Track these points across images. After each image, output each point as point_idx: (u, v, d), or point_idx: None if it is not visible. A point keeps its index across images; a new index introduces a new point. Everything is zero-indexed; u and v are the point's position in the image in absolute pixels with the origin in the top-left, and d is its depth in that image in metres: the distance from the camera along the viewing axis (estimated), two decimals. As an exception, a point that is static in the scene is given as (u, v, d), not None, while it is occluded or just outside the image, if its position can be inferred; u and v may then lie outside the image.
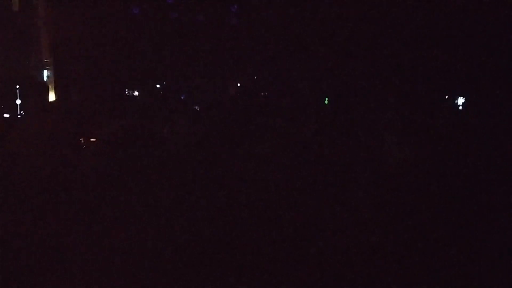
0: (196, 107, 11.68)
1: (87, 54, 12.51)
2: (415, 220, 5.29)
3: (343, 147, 8.08)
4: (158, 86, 14.71)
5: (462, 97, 9.82)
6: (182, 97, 14.25)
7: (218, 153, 7.68)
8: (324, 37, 12.10)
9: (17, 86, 9.42)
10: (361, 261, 4.37)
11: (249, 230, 4.95)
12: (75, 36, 12.71)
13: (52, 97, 12.00)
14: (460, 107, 9.84)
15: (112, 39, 13.03)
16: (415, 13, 9.42)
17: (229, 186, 6.37)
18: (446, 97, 9.91)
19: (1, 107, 9.22)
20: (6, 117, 8.89)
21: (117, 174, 5.74)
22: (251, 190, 6.40)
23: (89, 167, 5.83)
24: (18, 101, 9.40)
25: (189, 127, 8.88)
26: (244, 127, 8.95)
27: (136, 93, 13.96)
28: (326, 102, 13.42)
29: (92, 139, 6.51)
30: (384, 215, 5.38)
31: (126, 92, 13.64)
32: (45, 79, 12.99)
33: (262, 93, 14.15)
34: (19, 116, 8.92)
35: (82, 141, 6.26)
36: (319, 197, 6.15)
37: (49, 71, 13.11)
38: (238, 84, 15.25)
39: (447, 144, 7.54)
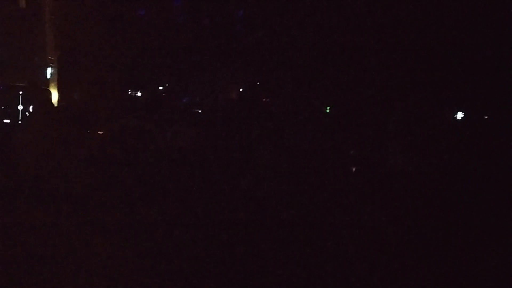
0: (198, 110, 11.69)
1: (91, 53, 12.56)
2: (416, 226, 5.36)
3: (346, 155, 8.13)
4: (160, 88, 14.75)
5: (461, 112, 10.00)
6: (184, 100, 14.28)
7: (218, 157, 7.70)
8: (328, 45, 12.16)
9: (20, 92, 9.43)
10: (362, 264, 4.41)
11: (247, 232, 4.97)
12: (80, 35, 12.75)
13: (54, 95, 12.00)
14: (459, 120, 10.01)
15: (117, 38, 13.08)
16: (421, 25, 9.53)
17: (229, 189, 6.40)
18: (447, 110, 10.07)
19: (2, 112, 9.22)
20: (6, 123, 8.91)
21: (118, 175, 5.77)
22: (251, 194, 6.43)
23: (90, 168, 5.86)
24: (20, 107, 9.39)
25: (191, 129, 8.91)
26: (245, 132, 8.98)
27: (139, 94, 14.01)
28: (328, 110, 13.45)
29: (99, 132, 6.58)
30: (386, 222, 5.43)
31: (129, 92, 13.68)
32: (48, 76, 13.01)
33: (264, 99, 14.16)
34: (19, 122, 8.91)
35: (87, 135, 6.31)
36: (321, 204, 6.19)
37: (52, 69, 13.13)
38: (241, 89, 15.29)
39: (449, 154, 7.63)
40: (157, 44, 13.79)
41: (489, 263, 4.45)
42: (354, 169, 8.15)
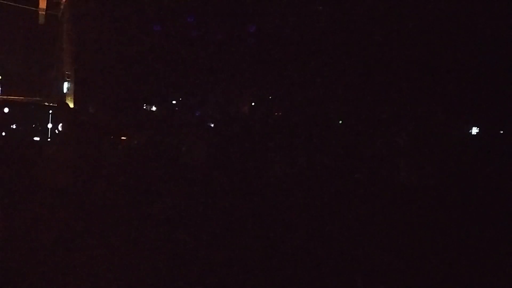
0: (211, 124, 11.84)
1: (107, 69, 12.81)
2: (426, 238, 5.39)
3: (358, 169, 8.18)
4: (174, 102, 14.94)
5: (476, 127, 9.99)
6: (197, 114, 14.45)
7: (232, 169, 7.80)
8: (340, 60, 12.24)
9: (50, 111, 9.78)
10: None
11: (259, 240, 5.05)
12: (96, 51, 13.04)
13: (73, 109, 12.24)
14: (474, 135, 9.99)
15: (133, 54, 13.33)
16: (435, 38, 9.59)
17: (242, 199, 6.50)
18: (461, 125, 10.07)
19: (33, 131, 9.52)
20: (36, 140, 9.19)
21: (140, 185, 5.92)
22: (264, 204, 6.51)
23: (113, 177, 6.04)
24: (50, 125, 9.69)
25: (204, 143, 9.05)
26: (258, 145, 9.07)
27: (154, 108, 14.21)
28: (340, 122, 13.49)
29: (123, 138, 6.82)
30: (396, 233, 5.47)
31: (144, 107, 13.89)
32: (65, 90, 13.29)
33: (276, 113, 14.29)
34: (49, 140, 9.20)
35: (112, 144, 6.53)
36: (332, 215, 6.25)
37: (69, 84, 13.40)
38: (253, 103, 15.43)
39: (460, 169, 7.63)
40: (171, 59, 14.01)
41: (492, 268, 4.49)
42: (357, 175, 8.21)
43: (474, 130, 9.90)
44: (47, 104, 10.94)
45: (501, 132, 9.67)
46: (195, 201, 6.08)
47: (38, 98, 11.91)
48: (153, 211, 5.59)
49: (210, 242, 4.88)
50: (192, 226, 5.33)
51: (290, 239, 5.22)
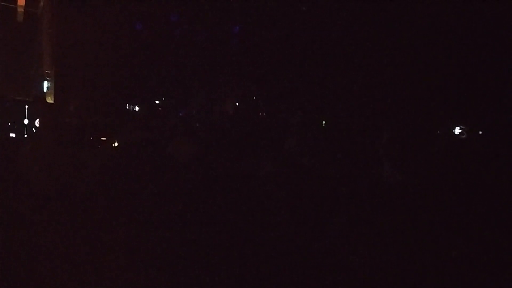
0: (197, 124, 11.77)
1: (88, 67, 12.60)
2: (410, 240, 5.41)
3: (342, 170, 8.20)
4: (157, 102, 14.83)
5: (458, 127, 10.17)
6: (180, 114, 14.34)
7: (218, 170, 7.73)
8: (324, 61, 12.33)
9: (26, 107, 9.51)
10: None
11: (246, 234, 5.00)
12: (77, 49, 12.80)
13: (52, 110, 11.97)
14: (457, 135, 10.17)
15: (114, 53, 13.15)
16: (416, 39, 9.73)
17: (227, 201, 6.44)
18: (443, 125, 10.24)
19: (8, 127, 9.26)
20: (12, 137, 8.95)
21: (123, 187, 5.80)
22: (249, 209, 6.46)
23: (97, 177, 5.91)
24: (26, 121, 9.43)
25: (191, 143, 8.95)
26: (243, 146, 9.02)
27: (137, 108, 14.06)
28: (324, 124, 13.59)
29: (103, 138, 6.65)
30: (380, 236, 5.48)
31: (127, 107, 13.74)
32: (44, 90, 13.03)
33: (260, 113, 14.30)
34: (25, 136, 8.96)
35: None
36: (316, 217, 6.23)
37: (49, 83, 13.14)
38: (237, 104, 15.42)
39: (445, 170, 7.72)
40: (154, 58, 13.89)
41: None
42: (339, 174, 8.22)
43: (457, 130, 10.08)
44: (21, 98, 10.64)
45: (480, 132, 9.85)
46: (182, 201, 6.00)
47: (18, 98, 11.62)
48: (140, 214, 5.49)
49: (203, 242, 4.82)
50: (181, 227, 5.25)
51: (277, 239, 5.19)
